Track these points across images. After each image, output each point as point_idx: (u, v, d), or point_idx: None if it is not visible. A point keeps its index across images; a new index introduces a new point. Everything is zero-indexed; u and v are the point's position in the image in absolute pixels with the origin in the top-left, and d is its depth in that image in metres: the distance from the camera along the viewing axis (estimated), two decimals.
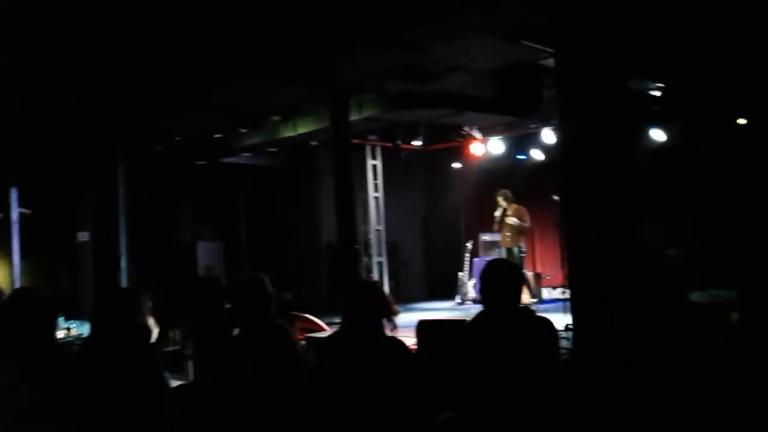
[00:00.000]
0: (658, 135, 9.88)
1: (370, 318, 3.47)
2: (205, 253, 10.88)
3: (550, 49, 6.21)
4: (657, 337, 5.64)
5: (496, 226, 10.62)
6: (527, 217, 10.40)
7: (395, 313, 3.60)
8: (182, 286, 9.23)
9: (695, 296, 9.81)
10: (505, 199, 10.43)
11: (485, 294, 3.43)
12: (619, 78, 6.07)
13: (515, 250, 10.44)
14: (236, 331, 3.66)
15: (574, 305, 6.42)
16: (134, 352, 3.66)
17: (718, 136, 9.66)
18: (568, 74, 5.97)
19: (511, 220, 10.32)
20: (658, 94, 8.55)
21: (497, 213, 10.47)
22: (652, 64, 7.40)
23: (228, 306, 4.16)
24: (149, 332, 4.46)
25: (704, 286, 10.15)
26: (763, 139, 9.05)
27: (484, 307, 3.43)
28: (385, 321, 3.49)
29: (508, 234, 10.43)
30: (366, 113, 7.95)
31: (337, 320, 8.05)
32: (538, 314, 3.54)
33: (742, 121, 9.27)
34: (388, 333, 3.49)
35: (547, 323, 3.43)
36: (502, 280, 3.40)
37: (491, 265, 3.52)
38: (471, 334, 3.46)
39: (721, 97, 8.52)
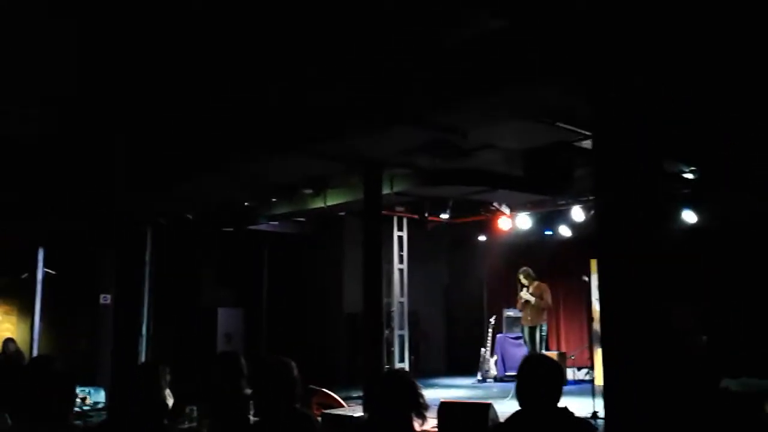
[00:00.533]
0: (689, 216, 9.74)
1: (399, 411, 3.30)
2: (226, 320, 10.77)
3: (586, 132, 6.19)
4: (690, 426, 5.36)
5: (519, 305, 10.54)
6: (547, 295, 10.33)
7: (426, 408, 3.42)
8: (201, 357, 9.10)
9: (728, 383, 9.48)
10: (526, 276, 10.37)
11: (521, 392, 3.24)
12: (655, 160, 6.02)
13: (537, 329, 10.29)
14: (255, 418, 3.50)
15: (607, 392, 6.21)
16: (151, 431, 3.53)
17: (750, 217, 9.51)
18: (605, 156, 5.93)
19: (530, 298, 10.20)
20: (690, 176, 8.49)
21: (521, 292, 10.35)
22: (686, 147, 7.35)
23: (249, 390, 4.00)
24: (166, 408, 4.32)
25: (737, 373, 9.83)
26: None
27: (521, 406, 3.25)
28: (414, 415, 3.32)
29: (529, 312, 10.32)
30: (397, 188, 7.96)
31: (355, 394, 7.86)
32: (578, 417, 3.34)
33: None
34: (417, 428, 3.31)
35: (589, 427, 3.23)
36: (541, 379, 3.22)
37: (529, 361, 3.35)
38: None
39: (753, 179, 8.43)
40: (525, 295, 10.27)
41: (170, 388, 5.04)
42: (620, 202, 5.81)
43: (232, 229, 10.07)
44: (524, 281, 10.35)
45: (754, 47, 5.55)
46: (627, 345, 5.72)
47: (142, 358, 8.97)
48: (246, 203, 9.19)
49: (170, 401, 5.25)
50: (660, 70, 5.46)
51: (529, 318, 10.37)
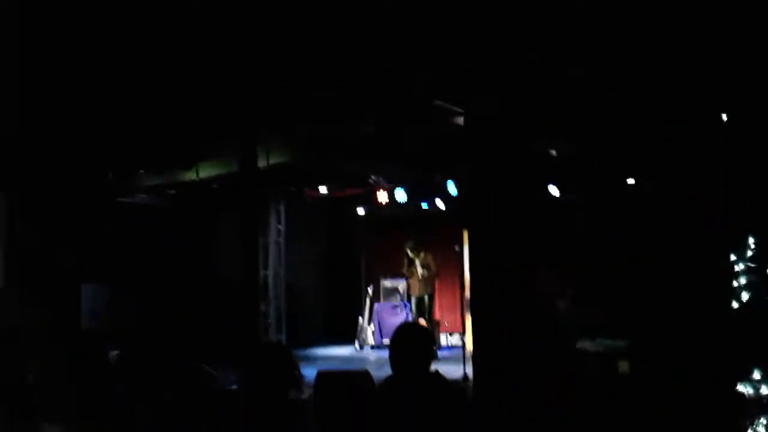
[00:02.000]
0: (554, 191, 10.34)
1: (274, 383, 3.32)
2: (91, 297, 10.24)
3: (459, 109, 6.40)
4: (548, 386, 5.79)
5: (408, 274, 10.90)
6: (434, 264, 10.70)
7: (300, 380, 3.46)
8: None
9: (585, 344, 10.19)
10: (413, 248, 10.66)
11: (395, 360, 3.35)
12: (523, 137, 6.37)
13: (426, 297, 10.65)
14: None
15: (475, 355, 6.55)
16: None
17: (610, 194, 10.23)
18: (476, 132, 6.19)
19: (421, 270, 10.52)
20: (554, 153, 9.00)
21: (409, 265, 10.68)
22: (551, 128, 7.78)
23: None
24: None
25: (593, 334, 10.64)
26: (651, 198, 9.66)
27: (394, 373, 3.35)
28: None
29: (418, 283, 10.66)
30: (273, 160, 7.83)
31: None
32: (448, 380, 3.50)
33: (630, 180, 9.87)
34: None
35: (459, 391, 3.39)
36: (413, 346, 3.34)
37: (401, 330, 3.46)
38: (379, 403, 3.37)
39: (614, 159, 9.08)
40: (419, 269, 10.55)
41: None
42: (488, 175, 6.13)
43: (99, 201, 9.53)
44: (411, 254, 10.67)
45: (616, 30, 5.96)
46: (492, 309, 6.09)
47: None
48: (111, 173, 8.72)
49: None
50: (526, 56, 5.74)
51: (417, 288, 10.75)
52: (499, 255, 6.04)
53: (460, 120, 6.65)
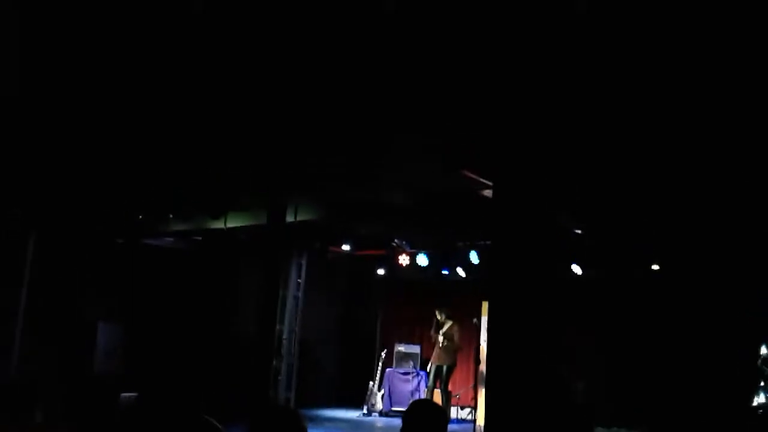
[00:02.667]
0: (577, 269, 10.26)
1: None
2: (106, 335, 10.25)
3: (489, 182, 6.45)
4: None
5: (433, 340, 10.80)
6: (458, 336, 10.64)
7: None
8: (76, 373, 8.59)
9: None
10: (442, 315, 10.69)
11: None
12: (548, 214, 6.38)
13: (444, 368, 10.58)
14: None
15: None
16: None
17: (634, 278, 10.11)
18: (503, 205, 6.23)
19: (441, 339, 10.54)
20: (579, 232, 8.99)
21: (434, 330, 10.65)
22: (579, 206, 7.80)
23: None
24: None
25: (610, 423, 10.35)
26: (673, 286, 9.53)
27: None
28: None
29: (441, 352, 10.58)
30: (301, 216, 7.93)
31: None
32: None
33: (655, 267, 9.77)
34: None
35: None
36: (426, 425, 3.29)
37: (416, 406, 3.42)
38: None
39: (640, 243, 9.03)
40: (440, 337, 10.56)
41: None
42: (513, 250, 6.12)
43: (122, 242, 9.67)
44: (439, 319, 10.64)
45: (647, 122, 6.03)
46: (509, 387, 5.96)
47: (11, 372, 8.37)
48: (140, 216, 8.88)
49: None
50: (558, 133, 5.82)
51: (437, 357, 10.64)
52: (519, 330, 5.96)
53: (489, 192, 6.69)
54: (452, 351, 10.66)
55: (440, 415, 3.44)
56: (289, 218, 7.69)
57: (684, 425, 6.49)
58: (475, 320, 9.72)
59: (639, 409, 8.95)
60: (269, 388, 9.04)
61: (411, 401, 3.49)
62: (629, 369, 9.95)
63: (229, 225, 8.39)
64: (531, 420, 5.62)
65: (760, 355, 4.63)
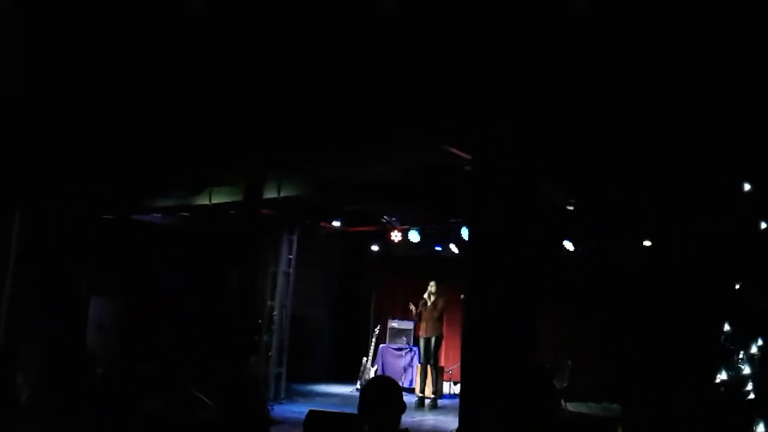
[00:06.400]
0: (569, 246, 10.21)
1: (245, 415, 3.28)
2: (99, 310, 10.31)
3: (468, 156, 6.38)
4: None
5: (416, 314, 10.88)
6: (442, 309, 10.75)
7: (269, 422, 3.42)
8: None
9: (589, 407, 9.89)
10: (434, 289, 10.72)
11: (364, 413, 3.30)
12: (530, 188, 6.30)
13: (433, 339, 10.69)
14: None
15: (463, 408, 6.40)
16: None
17: (625, 254, 10.06)
18: (482, 180, 6.16)
19: (430, 307, 10.68)
20: (571, 208, 8.90)
21: (421, 303, 10.74)
22: (567, 180, 7.71)
23: None
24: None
25: (600, 397, 10.37)
26: (663, 261, 9.46)
27: (367, 427, 3.30)
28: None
29: (427, 324, 10.63)
30: (285, 192, 7.90)
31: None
32: None
33: (647, 243, 9.70)
34: None
35: None
36: (382, 400, 3.29)
37: (372, 383, 3.43)
38: None
39: (631, 219, 8.95)
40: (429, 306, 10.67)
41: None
42: (492, 226, 6.05)
43: (112, 218, 9.68)
44: (433, 289, 10.73)
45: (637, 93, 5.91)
46: (484, 360, 5.93)
47: None
48: (124, 192, 8.87)
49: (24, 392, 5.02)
50: (539, 104, 5.72)
51: (426, 329, 10.71)
52: (496, 306, 5.92)
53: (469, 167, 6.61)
54: (440, 323, 10.77)
55: (393, 389, 3.45)
56: (273, 194, 7.66)
57: (653, 400, 6.49)
58: (462, 296, 9.70)
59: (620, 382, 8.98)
60: (254, 364, 9.08)
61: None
62: (616, 345, 9.95)
63: (215, 201, 8.38)
64: (506, 396, 5.58)
65: (723, 332, 4.62)
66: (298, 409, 8.93)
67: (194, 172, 7.39)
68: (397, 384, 3.62)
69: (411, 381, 11.67)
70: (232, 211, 9.61)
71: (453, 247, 11.38)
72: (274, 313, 10.32)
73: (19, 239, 8.22)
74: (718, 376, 4.65)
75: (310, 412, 6.33)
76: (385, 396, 3.33)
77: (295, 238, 10.59)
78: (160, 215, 10.21)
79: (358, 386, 11.59)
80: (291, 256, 10.56)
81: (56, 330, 8.92)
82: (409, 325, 12.05)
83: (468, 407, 6.14)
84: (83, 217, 8.47)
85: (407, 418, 3.65)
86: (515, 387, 5.34)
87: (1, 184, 7.51)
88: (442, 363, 11.66)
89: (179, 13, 4.72)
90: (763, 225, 5.56)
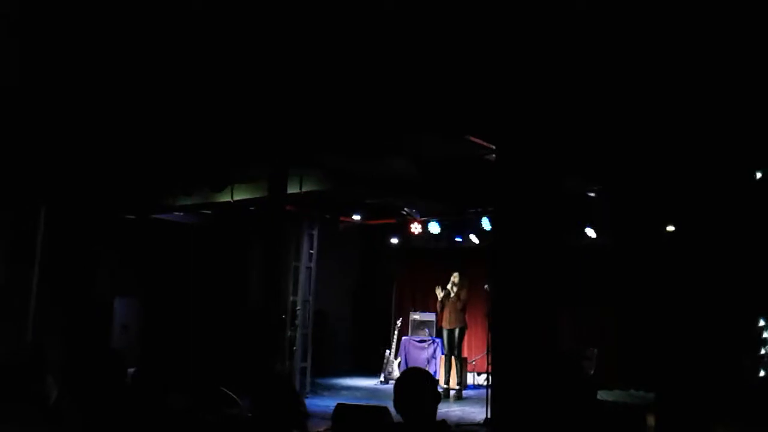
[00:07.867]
0: (591, 233, 10.12)
1: (279, 415, 3.27)
2: (122, 310, 10.40)
3: (492, 146, 6.33)
4: None
5: (439, 305, 10.77)
6: (464, 300, 10.68)
7: (305, 416, 3.41)
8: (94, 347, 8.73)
9: (615, 395, 9.81)
10: (457, 280, 10.65)
11: (402, 404, 3.27)
12: (555, 177, 6.26)
13: (456, 331, 10.62)
14: None
15: (495, 398, 6.38)
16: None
17: (648, 241, 9.96)
18: (507, 169, 6.12)
19: (453, 298, 10.59)
20: (593, 195, 8.85)
21: (442, 293, 10.64)
22: (590, 168, 7.65)
23: None
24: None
25: (627, 385, 10.29)
26: (688, 248, 9.36)
27: (402, 418, 3.28)
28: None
29: (449, 315, 10.55)
30: (306, 187, 7.90)
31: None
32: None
33: (671, 228, 9.59)
34: None
35: None
36: (418, 391, 3.26)
37: (406, 375, 3.39)
38: None
39: (653, 206, 8.86)
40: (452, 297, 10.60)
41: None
42: (516, 215, 6.01)
43: (133, 217, 9.74)
44: (456, 280, 10.65)
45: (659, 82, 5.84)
46: (513, 351, 5.91)
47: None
48: (145, 192, 8.91)
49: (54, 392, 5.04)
50: (561, 91, 5.66)
51: (448, 320, 10.66)
52: (522, 295, 5.88)
53: (493, 156, 6.57)
54: (463, 314, 10.72)
55: (429, 380, 3.42)
56: (295, 189, 7.65)
57: (686, 389, 6.42)
58: (486, 286, 9.65)
59: (653, 372, 8.88)
60: (279, 360, 9.10)
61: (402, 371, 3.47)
62: (642, 332, 9.86)
63: (236, 198, 8.40)
64: (537, 384, 5.57)
65: (758, 327, 4.52)
66: (324, 403, 8.93)
67: (216, 169, 7.41)
68: (431, 375, 3.60)
69: (435, 373, 11.65)
70: (252, 208, 9.63)
71: (473, 238, 11.32)
72: (298, 308, 10.32)
73: (43, 240, 8.29)
74: (761, 371, 4.56)
75: (339, 405, 6.34)
76: (420, 387, 3.30)
77: (315, 233, 10.58)
78: (181, 214, 10.24)
79: (382, 379, 11.59)
80: (312, 251, 10.56)
81: (81, 330, 9.02)
82: (431, 316, 12.01)
83: (499, 397, 6.12)
84: (105, 217, 8.55)
85: None
86: (548, 376, 5.30)
87: (26, 183, 7.58)
88: (465, 354, 11.64)
89: (204, 14, 4.73)
90: None
